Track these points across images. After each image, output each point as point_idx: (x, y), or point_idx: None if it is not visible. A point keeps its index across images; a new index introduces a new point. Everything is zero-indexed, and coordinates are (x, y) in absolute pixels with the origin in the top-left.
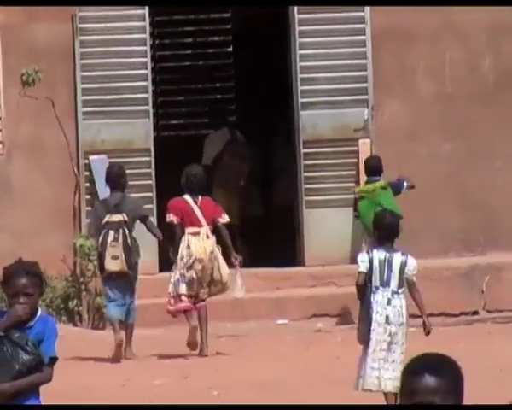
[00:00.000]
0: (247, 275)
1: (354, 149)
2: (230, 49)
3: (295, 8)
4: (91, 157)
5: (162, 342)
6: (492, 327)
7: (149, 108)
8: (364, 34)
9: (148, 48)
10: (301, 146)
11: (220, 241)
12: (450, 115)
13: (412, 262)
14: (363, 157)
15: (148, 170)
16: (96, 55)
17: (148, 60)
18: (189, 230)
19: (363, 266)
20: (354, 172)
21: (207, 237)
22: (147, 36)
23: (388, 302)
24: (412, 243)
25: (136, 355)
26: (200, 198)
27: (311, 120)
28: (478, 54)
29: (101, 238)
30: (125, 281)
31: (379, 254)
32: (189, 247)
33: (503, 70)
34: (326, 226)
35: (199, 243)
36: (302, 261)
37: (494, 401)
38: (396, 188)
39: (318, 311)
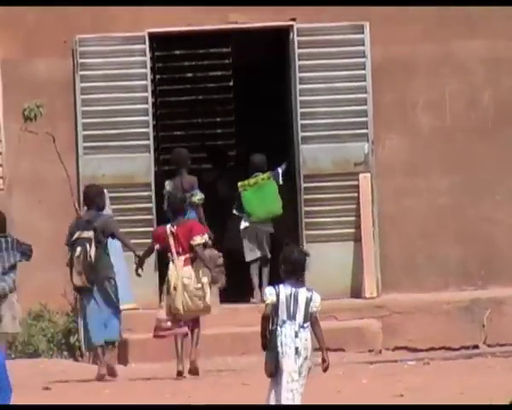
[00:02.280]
0: (248, 309)
1: (355, 183)
2: (231, 83)
3: (296, 42)
4: None
5: (162, 376)
6: (493, 361)
7: (150, 142)
8: (364, 69)
9: (148, 82)
10: (301, 180)
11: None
12: (450, 149)
13: (317, 298)
14: (363, 191)
15: (149, 204)
16: (96, 90)
17: (148, 94)
18: (171, 257)
19: (270, 298)
20: (355, 206)
21: (183, 265)
22: (147, 71)
23: (296, 335)
24: (412, 277)
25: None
26: (176, 226)
27: (312, 154)
28: (477, 87)
29: (69, 255)
30: (97, 293)
31: (285, 290)
32: (168, 274)
33: (503, 103)
34: (326, 260)
35: (175, 271)
36: None
37: None
38: (276, 179)
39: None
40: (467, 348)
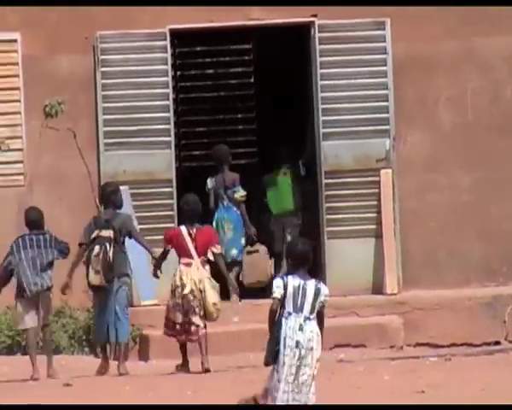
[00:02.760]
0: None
1: (376, 179)
2: (252, 80)
3: (317, 39)
4: None
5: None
6: None
7: (171, 138)
8: (386, 65)
9: (169, 79)
10: (323, 177)
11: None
12: (472, 145)
13: (325, 290)
14: (384, 188)
15: (170, 201)
16: (117, 87)
17: (169, 91)
18: (182, 260)
19: (277, 291)
20: (376, 203)
21: (199, 268)
22: (168, 67)
23: (300, 328)
24: (434, 273)
25: (127, 372)
26: (195, 229)
27: (333, 151)
28: (499, 83)
29: (87, 253)
30: (111, 294)
31: (294, 281)
32: (181, 278)
33: None
34: (347, 257)
35: (190, 275)
36: None
37: None
38: (297, 171)
39: (340, 341)
40: (488, 344)
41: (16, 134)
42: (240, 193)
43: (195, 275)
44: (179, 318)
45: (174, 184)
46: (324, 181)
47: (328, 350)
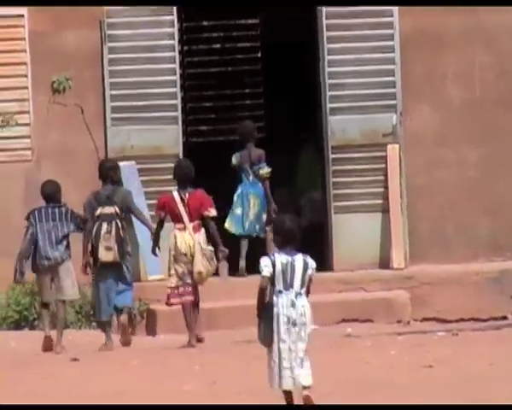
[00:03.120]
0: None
1: (383, 154)
2: (259, 54)
3: (323, 12)
4: (120, 163)
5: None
6: None
7: (178, 114)
8: (393, 40)
9: (176, 54)
10: (330, 151)
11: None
12: (480, 120)
13: (313, 264)
14: (391, 163)
15: None
16: (124, 62)
17: (176, 66)
18: (176, 225)
19: (266, 270)
20: (383, 178)
21: (193, 232)
22: (175, 42)
23: (292, 304)
24: (441, 248)
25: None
26: (187, 193)
27: (340, 126)
28: (507, 58)
29: (94, 230)
30: (116, 270)
31: (281, 259)
32: (175, 242)
33: None
34: (354, 232)
35: (184, 239)
36: (331, 266)
37: None
38: None
39: (347, 316)
40: (495, 319)
41: (24, 109)
42: (265, 170)
43: (188, 240)
44: (175, 282)
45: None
46: (331, 156)
47: (336, 325)
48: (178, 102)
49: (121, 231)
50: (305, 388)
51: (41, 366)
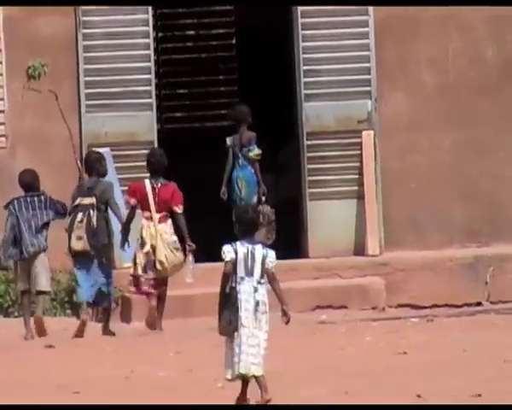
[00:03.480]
0: None
1: (358, 140)
2: (233, 41)
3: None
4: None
5: (166, 333)
6: (496, 318)
7: (153, 100)
8: (367, 26)
9: (151, 40)
10: (305, 138)
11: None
12: (454, 106)
13: (272, 254)
14: (366, 149)
15: None
16: (99, 48)
17: (151, 52)
18: (143, 214)
19: (229, 256)
20: (358, 164)
21: (158, 222)
22: (150, 28)
23: (255, 290)
24: (416, 234)
25: (113, 333)
26: (160, 184)
27: (315, 112)
28: (481, 44)
29: (69, 219)
30: (90, 261)
31: (242, 247)
32: (142, 233)
33: (507, 60)
34: (329, 218)
35: (149, 228)
36: (306, 253)
37: (498, 391)
38: None
39: (322, 302)
40: (470, 305)
41: None
42: (254, 151)
43: (153, 230)
44: (139, 271)
45: (156, 145)
46: (306, 143)
47: (310, 311)
48: (153, 88)
49: (93, 221)
50: (256, 377)
51: (15, 352)
